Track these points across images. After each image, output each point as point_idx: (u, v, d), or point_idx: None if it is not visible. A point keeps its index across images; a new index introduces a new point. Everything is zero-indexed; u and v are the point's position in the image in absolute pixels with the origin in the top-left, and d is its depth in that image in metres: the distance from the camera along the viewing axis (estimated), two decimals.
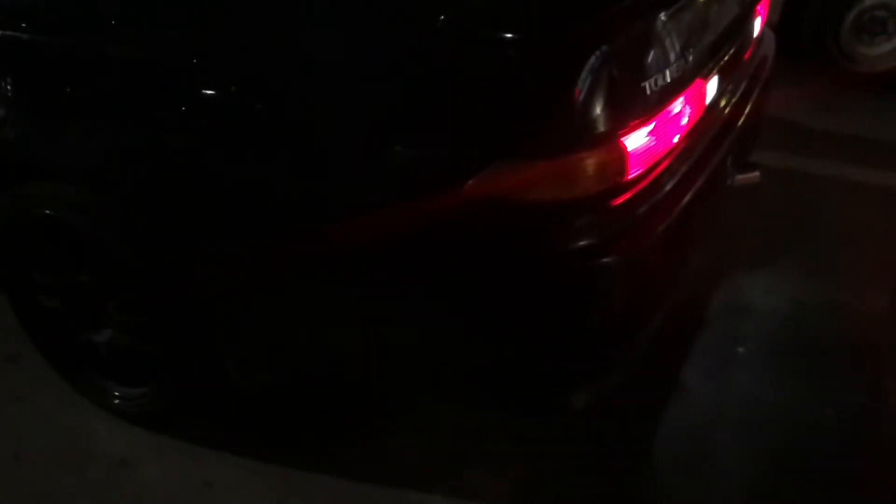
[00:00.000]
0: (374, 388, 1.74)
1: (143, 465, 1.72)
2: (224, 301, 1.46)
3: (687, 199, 1.39)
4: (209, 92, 1.30)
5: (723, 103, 1.63)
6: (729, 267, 2.28)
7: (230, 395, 1.61)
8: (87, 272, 1.61)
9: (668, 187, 1.34)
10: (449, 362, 1.38)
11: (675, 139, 1.37)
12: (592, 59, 1.16)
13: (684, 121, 1.39)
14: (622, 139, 1.21)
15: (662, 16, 1.31)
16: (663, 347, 1.90)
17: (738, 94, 1.71)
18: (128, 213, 1.46)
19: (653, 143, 1.28)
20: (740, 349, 2.03)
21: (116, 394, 1.74)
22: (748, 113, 1.75)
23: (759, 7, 1.84)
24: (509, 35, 1.15)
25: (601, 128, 1.18)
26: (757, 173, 1.84)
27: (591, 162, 1.19)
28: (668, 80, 1.29)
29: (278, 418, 1.81)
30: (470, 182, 1.17)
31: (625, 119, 1.22)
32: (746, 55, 1.80)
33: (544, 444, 1.75)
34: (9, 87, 1.50)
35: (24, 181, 1.56)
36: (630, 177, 1.24)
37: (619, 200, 1.24)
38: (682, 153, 1.40)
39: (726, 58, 1.59)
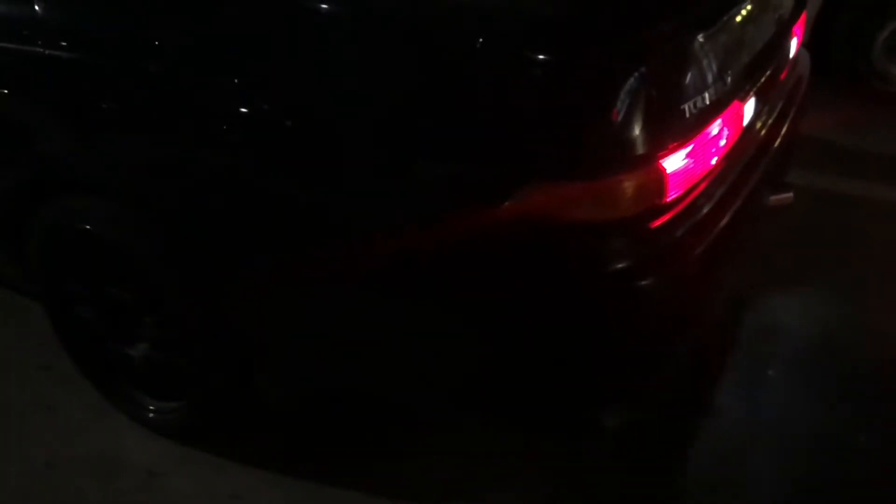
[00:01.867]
0: (404, 406, 1.73)
1: (171, 477, 1.73)
2: (258, 316, 1.47)
3: (724, 221, 1.37)
4: (245, 110, 1.31)
5: (759, 124, 1.62)
6: (760, 287, 2.25)
7: (260, 409, 1.61)
8: (124, 287, 1.63)
9: (705, 209, 1.33)
10: (481, 381, 1.38)
11: (713, 161, 1.36)
12: (631, 81, 1.16)
13: (722, 142, 1.38)
14: (661, 161, 1.21)
15: (701, 37, 1.30)
16: (694, 368, 1.88)
17: (773, 115, 1.70)
18: (164, 230, 1.47)
19: (691, 165, 1.27)
20: (771, 371, 2.00)
21: (151, 408, 1.75)
22: (783, 134, 1.73)
23: (795, 27, 1.82)
24: (548, 56, 1.15)
25: (640, 149, 1.18)
26: (790, 193, 1.82)
27: (630, 183, 1.18)
28: (707, 101, 1.29)
29: (307, 433, 1.81)
30: (507, 202, 1.17)
31: (664, 141, 1.21)
32: (782, 76, 1.79)
33: (573, 466, 1.73)
34: (51, 104, 1.53)
35: (65, 195, 1.58)
36: (669, 199, 1.24)
37: (658, 222, 1.24)
38: (719, 175, 1.39)
39: (763, 79, 1.58)
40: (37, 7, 1.54)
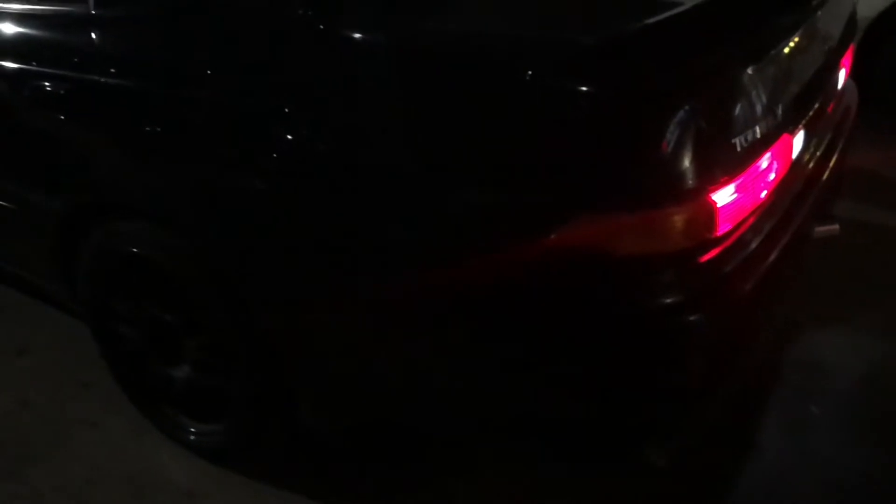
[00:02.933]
0: (444, 437, 1.72)
1: (209, 499, 1.73)
2: (301, 344, 1.48)
3: (773, 256, 1.35)
4: (293, 138, 1.32)
5: (807, 157, 1.60)
6: (804, 322, 2.21)
7: (300, 436, 1.61)
8: (169, 309, 1.65)
9: (754, 244, 1.32)
10: (528, 413, 1.36)
11: (763, 194, 1.34)
12: (681, 112, 1.15)
13: (771, 176, 1.36)
14: (711, 194, 1.20)
15: (751, 69, 1.29)
16: (737, 403, 1.84)
17: (822, 148, 1.68)
18: (210, 255, 1.49)
19: (741, 199, 1.26)
20: (815, 409, 1.95)
21: (192, 430, 1.76)
22: (831, 166, 1.71)
23: (843, 59, 1.81)
24: (598, 87, 1.16)
25: (690, 182, 1.17)
26: (836, 226, 1.79)
27: (679, 216, 1.17)
28: (757, 134, 1.28)
29: (344, 461, 1.81)
30: (555, 232, 1.17)
31: (714, 174, 1.20)
32: (830, 108, 1.77)
33: (612, 500, 1.70)
34: (104, 129, 1.57)
35: (114, 218, 1.62)
36: (718, 233, 1.22)
37: (707, 257, 1.22)
38: (768, 209, 1.38)
39: (812, 111, 1.56)
40: (93, 35, 1.59)
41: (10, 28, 1.75)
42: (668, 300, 1.19)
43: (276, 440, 1.70)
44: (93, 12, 1.55)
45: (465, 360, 1.34)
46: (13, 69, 1.72)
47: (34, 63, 1.67)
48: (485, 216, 1.20)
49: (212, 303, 1.53)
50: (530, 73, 1.18)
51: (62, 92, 1.63)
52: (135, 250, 1.60)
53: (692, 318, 1.20)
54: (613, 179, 1.16)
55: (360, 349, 1.42)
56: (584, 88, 1.16)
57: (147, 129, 1.49)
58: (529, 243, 1.18)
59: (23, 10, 1.73)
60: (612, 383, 1.25)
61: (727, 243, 1.25)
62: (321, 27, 1.37)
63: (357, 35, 1.31)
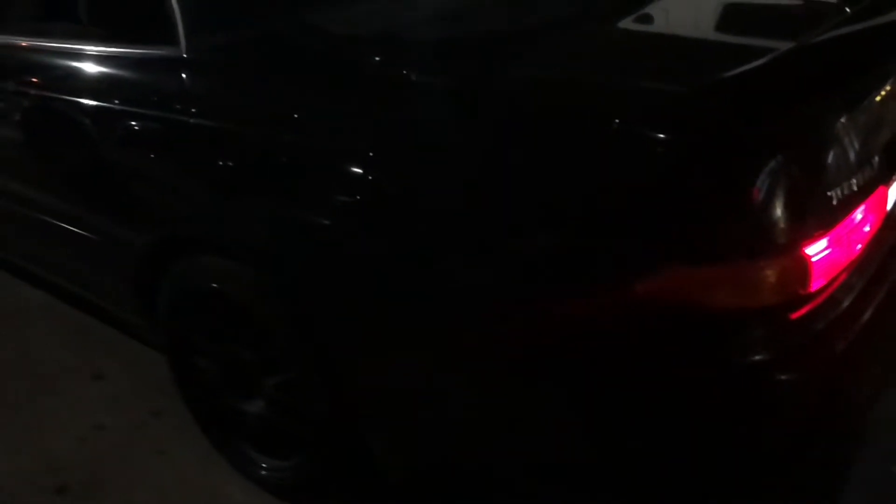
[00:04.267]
0: (516, 486, 1.69)
1: None
2: (381, 388, 1.47)
3: (867, 313, 1.29)
4: (376, 182, 1.33)
5: None
6: (889, 375, 2.10)
7: (373, 475, 1.60)
8: (248, 345, 1.67)
9: (847, 300, 1.26)
10: (605, 465, 1.32)
11: (858, 248, 1.29)
12: (775, 163, 1.12)
13: (866, 229, 1.31)
14: (804, 248, 1.15)
15: (846, 119, 1.25)
16: (820, 460, 1.76)
17: None
18: (292, 295, 1.49)
19: (835, 253, 1.21)
20: None
21: (264, 465, 1.77)
22: None
23: None
24: (689, 136, 1.14)
25: (783, 235, 1.13)
26: None
27: (771, 270, 1.13)
28: (853, 186, 1.23)
29: (413, 501, 1.79)
30: (640, 283, 1.14)
31: (808, 227, 1.16)
32: None
33: None
34: (191, 167, 1.62)
35: (197, 254, 1.65)
36: (811, 288, 1.18)
37: (799, 313, 1.17)
38: (862, 263, 1.32)
39: None
40: (184, 77, 1.65)
41: (99, 68, 1.84)
42: (758, 358, 1.15)
43: (345, 478, 1.69)
44: (184, 55, 1.61)
45: (539, 412, 1.31)
46: (103, 108, 1.79)
47: (124, 102, 1.74)
48: (569, 264, 1.18)
49: (290, 343, 1.53)
50: (617, 121, 1.17)
51: (150, 130, 1.69)
52: (215, 286, 1.63)
53: (782, 377, 1.15)
54: (704, 230, 1.13)
55: (439, 393, 1.41)
56: (672, 137, 1.14)
57: (232, 168, 1.53)
58: (613, 293, 1.15)
59: (114, 52, 1.80)
60: (696, 442, 1.20)
61: (820, 299, 1.20)
62: (405, 73, 1.40)
63: (442, 82, 1.33)
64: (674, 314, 1.14)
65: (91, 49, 1.83)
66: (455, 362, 1.34)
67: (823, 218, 1.18)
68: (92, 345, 2.45)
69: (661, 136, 1.14)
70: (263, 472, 1.78)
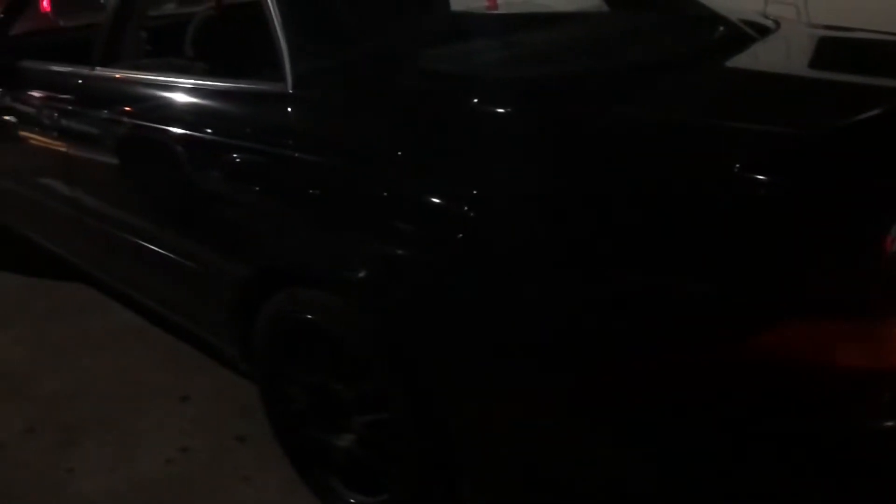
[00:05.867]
0: None
1: None
2: (478, 431, 1.44)
3: None
4: (470, 221, 1.33)
5: None
6: None
7: None
8: (341, 379, 1.66)
9: None
10: None
11: None
12: None
13: None
14: None
15: None
16: None
17: None
18: (389, 330, 1.48)
19: None
20: None
21: (351, 501, 1.75)
22: None
23: None
24: (819, 182, 1.10)
25: None
26: None
27: None
28: None
29: None
30: (760, 337, 1.08)
31: None
32: None
33: None
34: (289, 201, 1.65)
35: (293, 286, 1.66)
36: None
37: None
38: None
39: None
40: (289, 111, 1.69)
41: (204, 101, 1.90)
42: (886, 424, 1.07)
43: None
44: (290, 91, 1.66)
45: (641, 463, 1.26)
46: (208, 140, 1.86)
47: (230, 135, 1.80)
48: (686, 313, 1.14)
49: (388, 383, 1.51)
50: (738, 166, 1.13)
51: (254, 164, 1.73)
52: (310, 317, 1.63)
53: None
54: (830, 281, 1.08)
55: (535, 438, 1.37)
56: (800, 183, 1.10)
57: (332, 202, 1.55)
58: (731, 345, 1.10)
59: (219, 86, 1.87)
60: None
61: None
62: (509, 113, 1.39)
63: (545, 124, 1.31)
64: (793, 372, 1.08)
65: (201, 83, 1.91)
66: (555, 409, 1.30)
67: None
68: (180, 366, 2.52)
69: (786, 182, 1.10)
70: None
